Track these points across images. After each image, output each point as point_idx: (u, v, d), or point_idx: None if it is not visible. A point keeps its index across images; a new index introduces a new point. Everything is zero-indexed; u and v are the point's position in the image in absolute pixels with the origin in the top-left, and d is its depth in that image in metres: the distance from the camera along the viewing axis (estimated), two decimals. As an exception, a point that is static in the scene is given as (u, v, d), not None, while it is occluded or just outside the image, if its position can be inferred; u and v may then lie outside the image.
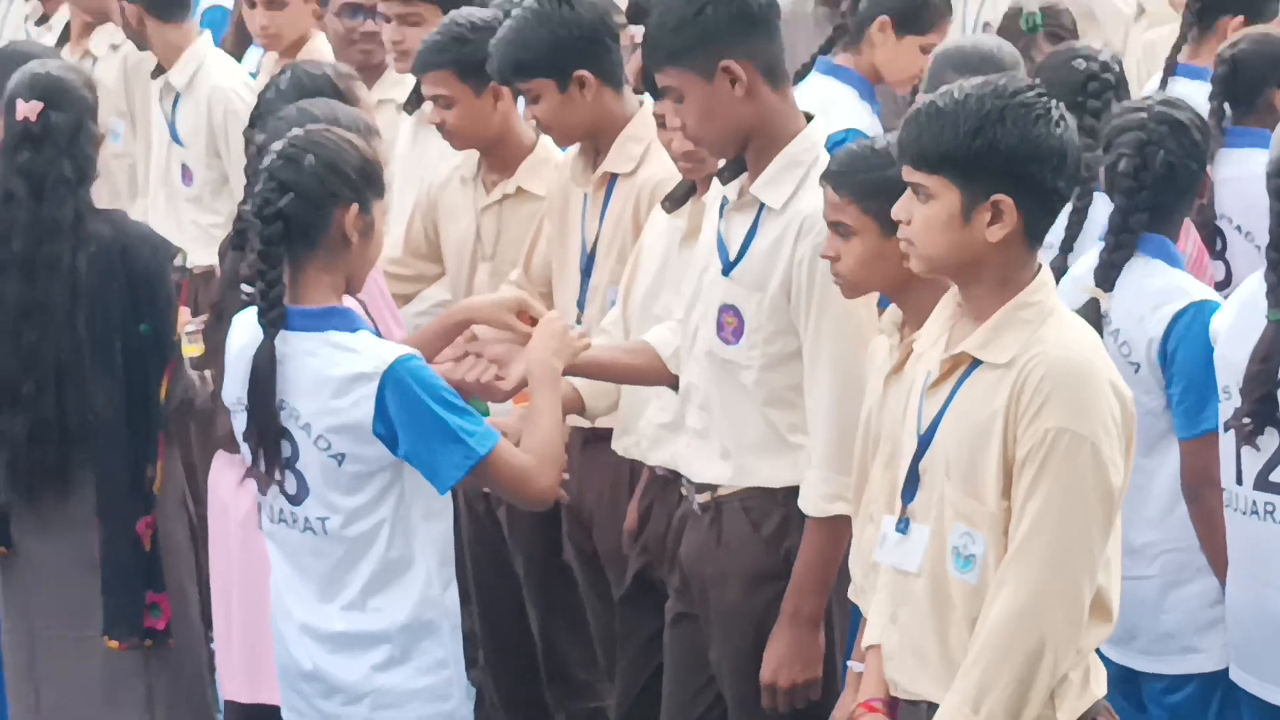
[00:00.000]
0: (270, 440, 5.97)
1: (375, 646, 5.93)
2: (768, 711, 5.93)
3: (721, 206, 5.88)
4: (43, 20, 12.84)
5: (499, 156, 7.47)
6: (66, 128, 7.39)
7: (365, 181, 5.96)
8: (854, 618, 6.03)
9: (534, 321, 6.60)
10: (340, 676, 6.00)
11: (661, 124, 6.32)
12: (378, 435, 5.74)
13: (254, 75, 10.48)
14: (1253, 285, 6.15)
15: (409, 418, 5.76)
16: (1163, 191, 6.21)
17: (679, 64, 5.65)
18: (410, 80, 7.99)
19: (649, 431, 6.63)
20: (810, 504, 5.74)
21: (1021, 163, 4.80)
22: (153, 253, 7.58)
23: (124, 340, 7.35)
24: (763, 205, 5.70)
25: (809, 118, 5.87)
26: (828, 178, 5.56)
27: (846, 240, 5.42)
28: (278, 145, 6.09)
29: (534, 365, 6.37)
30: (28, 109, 7.41)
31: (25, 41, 10.31)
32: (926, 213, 4.86)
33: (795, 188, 5.68)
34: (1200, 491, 6.01)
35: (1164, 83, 8.05)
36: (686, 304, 6.11)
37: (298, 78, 7.50)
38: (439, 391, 5.81)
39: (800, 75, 7.59)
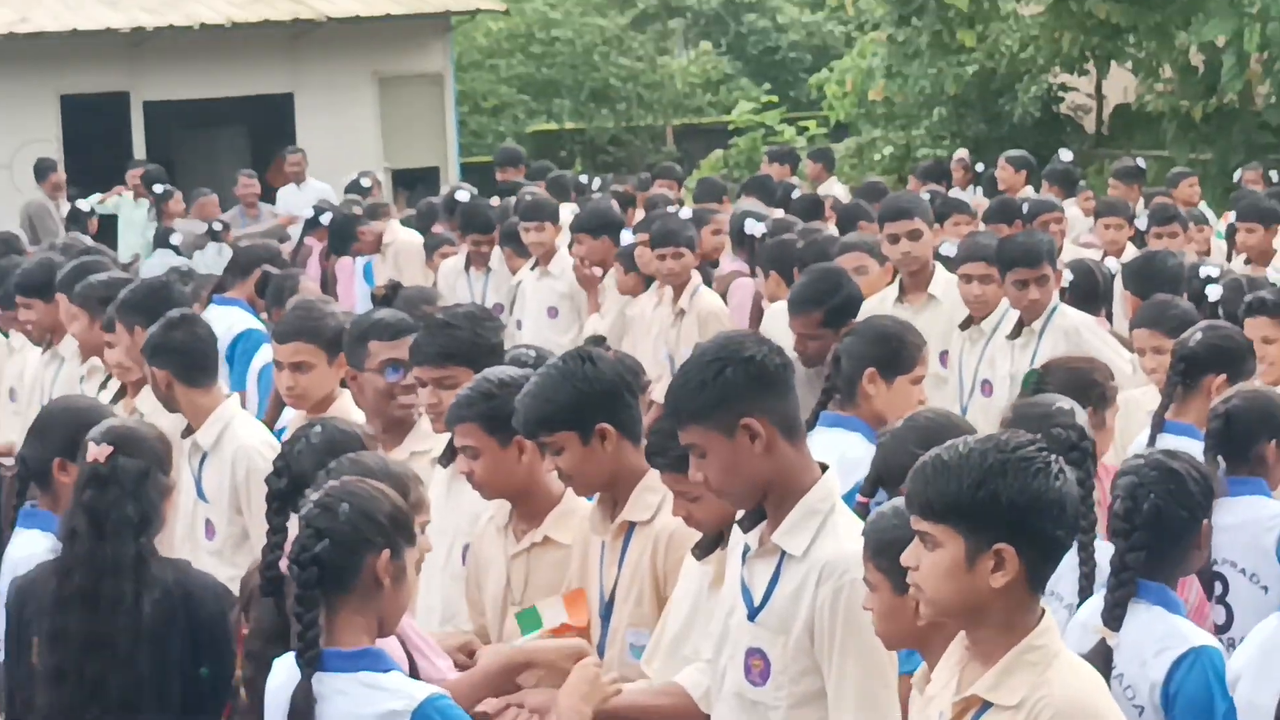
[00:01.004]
0: None
1: None
2: None
3: (744, 554, 5.93)
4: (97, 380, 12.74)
5: (527, 506, 7.50)
6: (134, 472, 7.47)
7: (397, 528, 6.08)
8: None
9: None
10: None
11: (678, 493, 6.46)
12: None
13: (280, 433, 10.63)
14: (1270, 627, 6.31)
15: None
16: (1154, 534, 6.26)
17: (701, 422, 5.76)
18: (445, 435, 8.09)
19: None
20: None
21: (1022, 513, 4.88)
22: (215, 599, 7.59)
23: (183, 682, 7.34)
24: (784, 553, 5.74)
25: (824, 468, 5.95)
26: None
27: (873, 593, 5.51)
28: (315, 494, 6.27)
29: (564, 710, 6.57)
30: (98, 451, 7.46)
31: (78, 396, 10.65)
32: (933, 559, 4.95)
33: (814, 535, 5.74)
34: None
35: (1152, 439, 8.23)
36: (715, 646, 6.14)
37: (329, 434, 7.58)
38: None
39: (808, 426, 7.44)
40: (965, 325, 11.44)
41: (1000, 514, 4.81)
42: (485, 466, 7.15)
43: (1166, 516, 6.16)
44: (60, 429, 7.73)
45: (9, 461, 9.86)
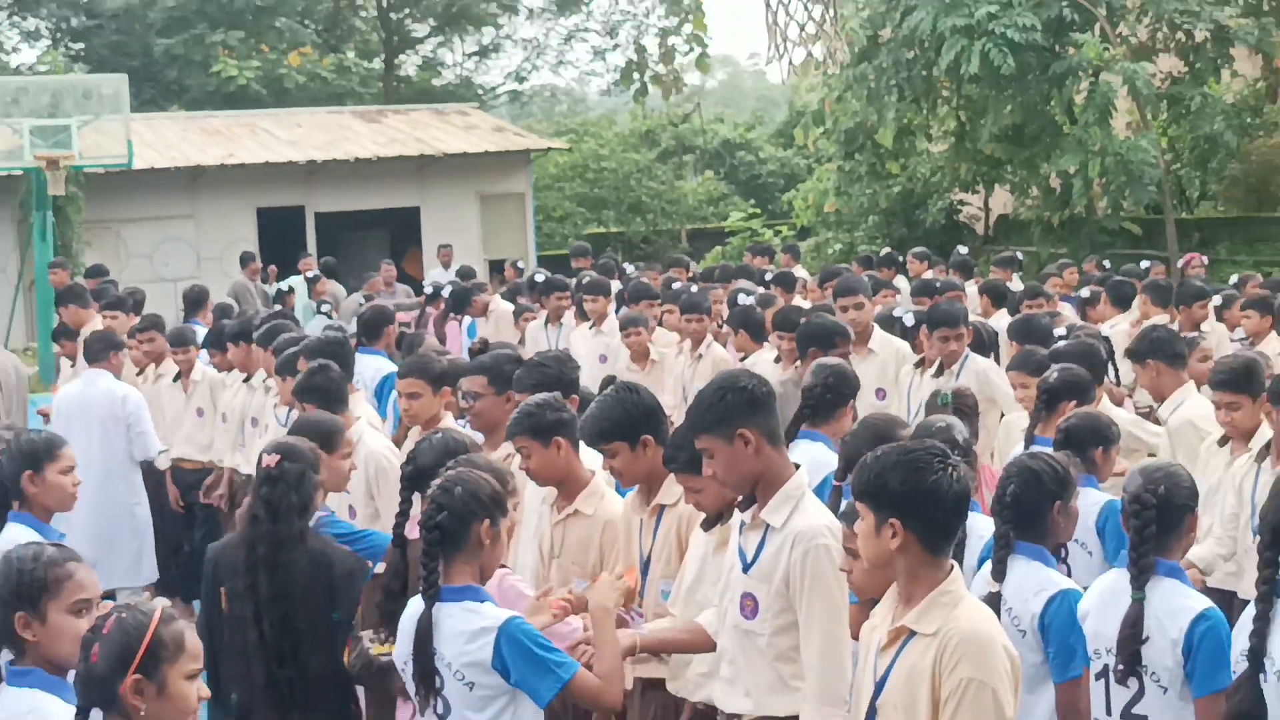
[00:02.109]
0: (428, 676, 6.08)
1: None
2: None
3: (740, 526, 6.00)
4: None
5: (564, 489, 7.44)
6: (294, 473, 7.46)
7: (495, 505, 6.16)
8: None
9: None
10: None
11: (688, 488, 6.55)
12: (495, 669, 5.93)
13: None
14: (1109, 579, 6.32)
15: (516, 658, 5.91)
16: (1016, 511, 6.30)
17: (710, 432, 5.85)
18: None
19: (693, 678, 6.68)
20: None
21: (905, 498, 4.95)
22: (345, 564, 7.57)
23: (325, 624, 7.40)
24: (769, 526, 5.82)
25: (797, 466, 6.03)
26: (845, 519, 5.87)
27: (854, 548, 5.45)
28: (439, 480, 6.29)
29: (594, 609, 6.47)
30: (270, 459, 7.50)
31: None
32: (861, 528, 5.07)
33: (790, 513, 5.80)
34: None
35: (1026, 448, 8.20)
36: (719, 593, 6.21)
37: (446, 439, 7.67)
38: (536, 639, 5.97)
39: (790, 437, 7.60)
40: (918, 365, 11.42)
41: (890, 497, 4.90)
42: (535, 462, 7.15)
43: (1024, 499, 6.20)
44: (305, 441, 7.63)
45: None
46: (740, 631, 5.95)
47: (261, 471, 7.48)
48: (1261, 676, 5.55)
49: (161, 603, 5.07)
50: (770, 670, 5.94)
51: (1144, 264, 21.21)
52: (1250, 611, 5.74)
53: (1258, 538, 5.92)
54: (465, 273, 22.47)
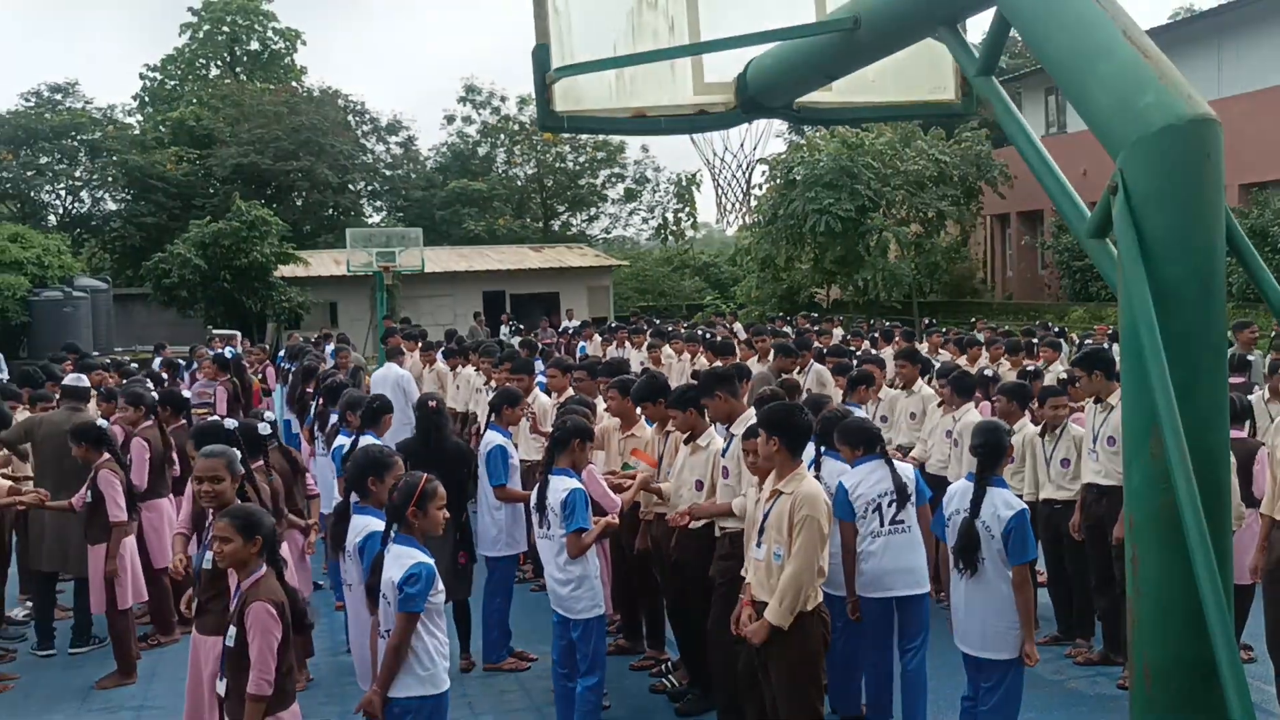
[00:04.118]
0: (542, 507, 5.53)
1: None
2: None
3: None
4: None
5: (693, 435, 6.08)
6: (443, 408, 6.79)
7: (584, 433, 5.58)
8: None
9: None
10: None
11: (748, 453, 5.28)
12: (565, 504, 5.37)
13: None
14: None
15: (575, 506, 5.36)
16: (985, 455, 5.23)
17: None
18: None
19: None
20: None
21: (775, 425, 4.67)
22: (462, 447, 6.90)
23: (460, 477, 6.67)
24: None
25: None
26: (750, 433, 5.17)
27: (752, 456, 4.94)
28: (562, 416, 5.86)
29: (638, 485, 5.97)
30: (432, 403, 6.79)
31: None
32: (759, 442, 4.73)
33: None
34: (1024, 584, 5.04)
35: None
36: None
37: (572, 404, 6.80)
38: (584, 499, 5.37)
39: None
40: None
41: (775, 425, 4.71)
42: (682, 422, 6.04)
43: (993, 449, 5.21)
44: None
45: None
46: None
47: (426, 408, 6.91)
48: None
49: (425, 475, 4.53)
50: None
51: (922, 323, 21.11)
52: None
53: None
54: (581, 325, 21.46)
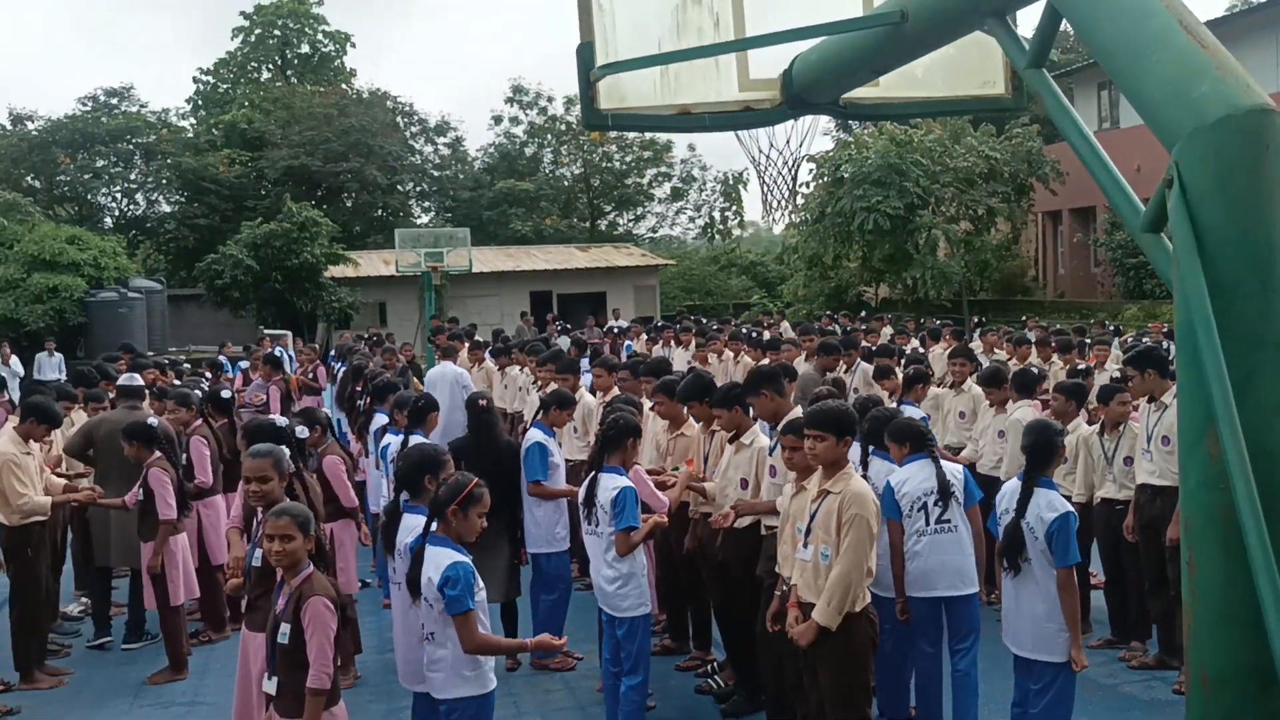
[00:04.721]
0: (591, 502, 5.49)
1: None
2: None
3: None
4: None
5: (738, 433, 6.12)
6: (493, 407, 6.95)
7: (634, 432, 5.56)
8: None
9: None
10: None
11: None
12: (615, 502, 5.35)
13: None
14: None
15: (624, 503, 5.35)
16: (1034, 456, 5.11)
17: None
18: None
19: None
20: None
21: (825, 424, 4.62)
22: (514, 445, 6.97)
23: (513, 475, 6.78)
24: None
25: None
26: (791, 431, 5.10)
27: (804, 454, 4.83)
28: (612, 414, 5.74)
29: (680, 485, 5.99)
30: (483, 402, 6.94)
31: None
32: (811, 441, 4.66)
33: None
34: (1068, 588, 4.94)
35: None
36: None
37: (617, 403, 6.77)
38: (633, 497, 5.35)
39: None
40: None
41: (830, 425, 4.68)
42: (727, 421, 6.06)
43: (1043, 449, 5.10)
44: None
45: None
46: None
47: (476, 409, 7.04)
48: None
49: (475, 478, 4.56)
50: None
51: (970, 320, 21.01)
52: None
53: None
54: (627, 324, 21.93)
